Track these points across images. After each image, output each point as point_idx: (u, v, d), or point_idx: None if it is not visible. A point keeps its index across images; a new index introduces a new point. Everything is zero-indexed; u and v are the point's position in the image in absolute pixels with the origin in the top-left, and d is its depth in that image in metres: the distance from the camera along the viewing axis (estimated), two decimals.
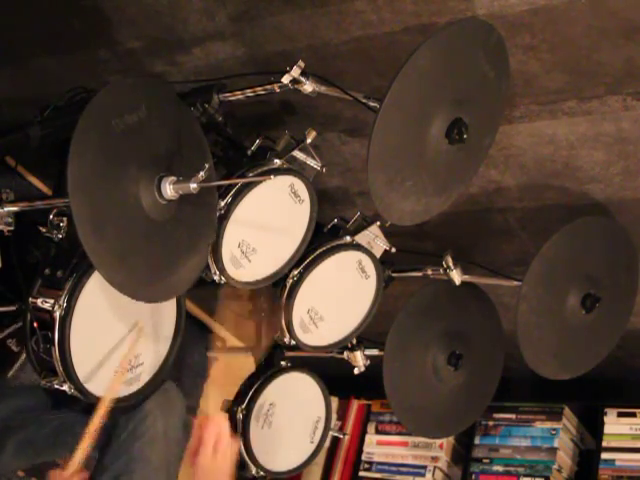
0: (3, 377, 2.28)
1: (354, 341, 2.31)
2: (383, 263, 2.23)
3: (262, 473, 2.25)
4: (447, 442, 2.92)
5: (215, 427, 1.66)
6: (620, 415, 2.70)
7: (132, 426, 1.90)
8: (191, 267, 1.76)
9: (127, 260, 1.61)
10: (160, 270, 1.70)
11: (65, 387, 1.78)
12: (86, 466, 1.73)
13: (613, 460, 2.65)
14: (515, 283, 2.14)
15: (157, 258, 1.69)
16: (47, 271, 1.79)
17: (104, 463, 1.90)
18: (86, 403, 1.83)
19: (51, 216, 1.81)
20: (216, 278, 1.92)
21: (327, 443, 2.47)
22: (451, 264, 2.21)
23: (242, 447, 2.20)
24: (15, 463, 2.05)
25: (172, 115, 1.72)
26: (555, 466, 2.72)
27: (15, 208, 1.77)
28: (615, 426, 2.69)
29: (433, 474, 2.88)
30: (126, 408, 1.90)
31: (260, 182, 1.89)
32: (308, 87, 1.82)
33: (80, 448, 1.71)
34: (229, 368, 3.11)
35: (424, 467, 2.91)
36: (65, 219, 1.81)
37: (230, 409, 2.23)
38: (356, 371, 2.35)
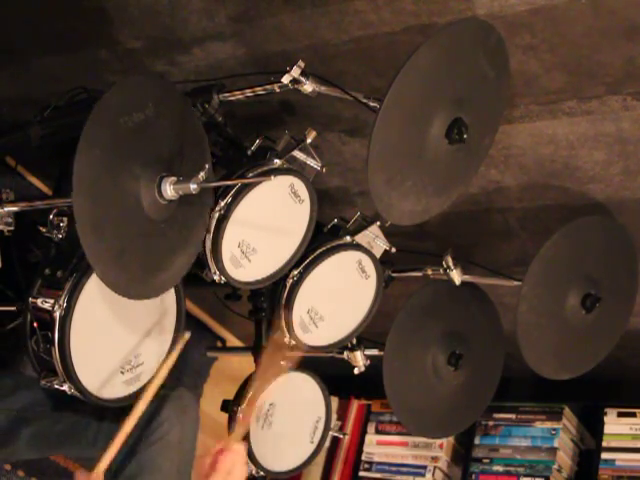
0: (19, 369, 2.29)
1: (354, 341, 2.31)
2: (383, 263, 2.23)
3: (262, 473, 2.25)
4: (447, 442, 2.93)
5: (232, 457, 1.61)
6: (620, 415, 2.70)
7: (147, 432, 1.89)
8: (180, 264, 1.76)
9: (123, 259, 1.61)
10: (152, 268, 1.70)
11: (65, 387, 1.78)
12: (90, 466, 1.72)
13: (613, 460, 2.66)
14: (515, 283, 2.14)
15: (151, 256, 1.69)
16: (47, 271, 1.79)
17: (115, 466, 1.90)
18: (96, 406, 1.84)
19: (51, 216, 1.81)
20: (216, 278, 1.92)
21: (327, 443, 2.47)
22: (451, 264, 2.21)
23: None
24: (28, 453, 2.05)
25: (177, 114, 1.72)
26: (555, 466, 2.72)
27: (15, 208, 1.77)
28: (615, 426, 2.69)
29: (433, 474, 2.88)
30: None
31: (260, 182, 1.89)
32: (308, 87, 1.82)
33: (110, 450, 1.70)
34: (229, 368, 3.11)
35: (424, 467, 2.91)
36: (65, 219, 1.81)
37: (230, 409, 2.22)
38: (356, 371, 2.35)
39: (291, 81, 1.81)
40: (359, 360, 2.33)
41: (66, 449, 2.06)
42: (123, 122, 1.57)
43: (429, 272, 2.27)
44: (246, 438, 2.18)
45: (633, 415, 2.68)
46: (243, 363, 2.53)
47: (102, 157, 1.53)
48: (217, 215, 1.85)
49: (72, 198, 1.49)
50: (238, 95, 1.91)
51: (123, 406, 1.83)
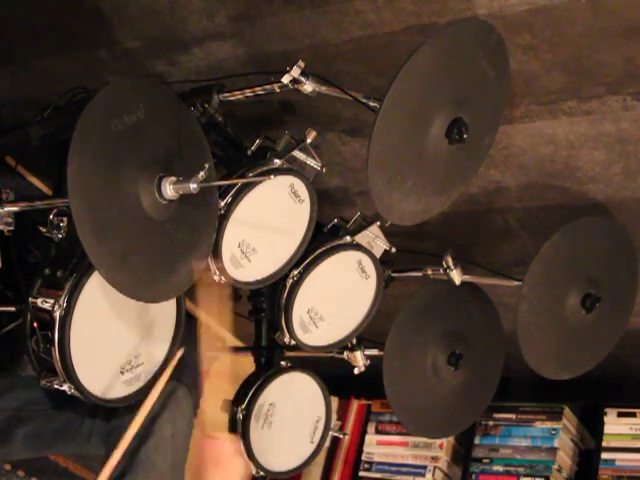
0: (15, 367, 2.29)
1: (354, 341, 2.31)
2: (383, 263, 2.22)
3: (262, 473, 2.25)
4: (447, 442, 2.93)
5: (217, 446, 1.61)
6: (620, 415, 2.70)
7: (139, 428, 1.89)
8: (191, 267, 1.76)
9: (127, 260, 1.61)
10: (160, 270, 1.70)
11: (65, 387, 1.78)
12: (90, 465, 1.72)
13: (613, 460, 2.66)
14: (515, 283, 2.14)
15: (157, 258, 1.69)
16: (47, 271, 1.79)
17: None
18: (91, 404, 1.84)
19: (51, 216, 1.81)
20: (216, 278, 1.92)
21: (327, 443, 2.47)
22: (451, 264, 2.21)
23: (242, 447, 2.20)
24: (23, 453, 2.06)
25: (171, 115, 1.72)
26: (555, 466, 2.72)
27: (15, 208, 1.77)
28: (615, 426, 2.69)
29: (433, 474, 2.88)
30: (127, 408, 1.91)
31: (260, 182, 1.89)
32: (308, 87, 1.82)
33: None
34: (229, 368, 3.11)
35: (424, 467, 2.91)
36: (65, 219, 1.81)
37: (230, 409, 2.22)
38: (356, 371, 2.35)
39: (291, 81, 1.81)
40: (359, 360, 2.33)
41: (61, 446, 2.07)
42: (114, 125, 1.57)
43: (429, 272, 2.27)
44: (246, 436, 2.19)
45: (633, 415, 2.68)
46: (243, 363, 2.53)
47: (94, 161, 1.53)
48: (217, 215, 1.85)
49: (69, 202, 1.49)
50: (238, 95, 1.91)
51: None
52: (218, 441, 1.63)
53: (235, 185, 1.87)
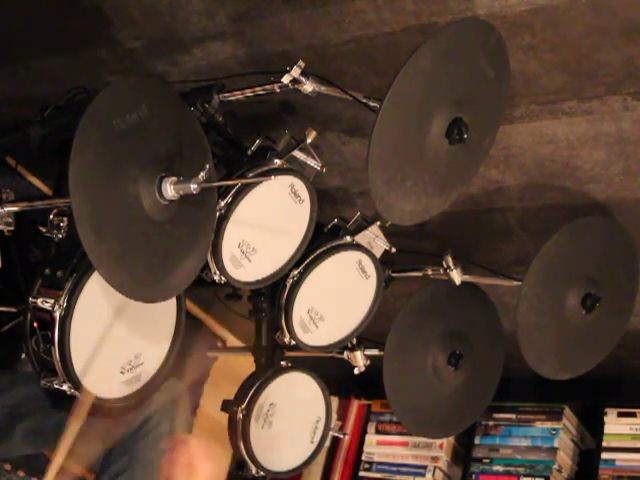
0: (15, 364, 2.29)
1: (354, 341, 2.31)
2: (383, 263, 2.23)
3: (262, 473, 2.25)
4: (447, 442, 2.93)
5: (188, 450, 1.62)
6: (620, 415, 2.70)
7: (137, 425, 1.90)
8: (189, 267, 1.76)
9: (127, 260, 1.61)
10: (159, 270, 1.70)
11: (65, 387, 1.78)
12: (90, 465, 1.72)
13: (613, 460, 2.66)
14: (515, 283, 2.14)
15: (156, 258, 1.69)
16: (47, 271, 1.79)
17: (107, 460, 1.91)
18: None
19: (51, 216, 1.81)
20: (216, 278, 1.92)
21: (327, 443, 2.47)
22: (451, 264, 2.21)
23: (242, 447, 2.20)
24: (23, 449, 2.06)
25: (173, 115, 1.72)
26: (555, 466, 2.72)
27: (15, 208, 1.77)
28: (615, 426, 2.69)
29: (433, 474, 2.88)
30: (127, 407, 1.91)
31: (260, 182, 1.89)
32: (308, 87, 1.82)
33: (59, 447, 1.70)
34: (229, 368, 3.11)
35: (424, 467, 2.91)
36: (65, 219, 1.81)
37: (230, 409, 2.22)
38: (356, 371, 2.35)
39: (291, 81, 1.81)
40: (359, 360, 2.33)
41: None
42: (116, 124, 1.57)
43: (429, 272, 2.27)
44: (246, 436, 2.19)
45: (633, 415, 2.68)
46: (243, 363, 2.53)
47: (96, 160, 1.53)
48: (217, 215, 1.85)
49: (70, 201, 1.49)
50: (238, 95, 1.91)
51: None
52: (188, 445, 1.64)
53: (235, 185, 1.87)
